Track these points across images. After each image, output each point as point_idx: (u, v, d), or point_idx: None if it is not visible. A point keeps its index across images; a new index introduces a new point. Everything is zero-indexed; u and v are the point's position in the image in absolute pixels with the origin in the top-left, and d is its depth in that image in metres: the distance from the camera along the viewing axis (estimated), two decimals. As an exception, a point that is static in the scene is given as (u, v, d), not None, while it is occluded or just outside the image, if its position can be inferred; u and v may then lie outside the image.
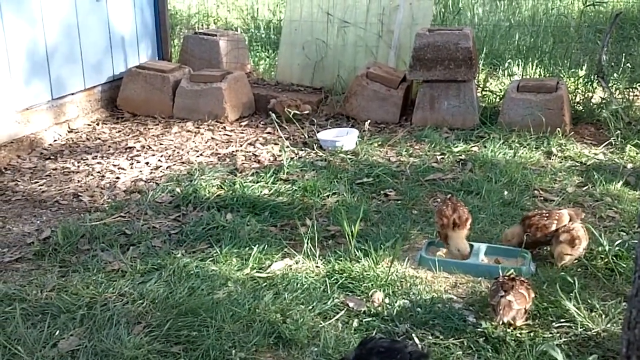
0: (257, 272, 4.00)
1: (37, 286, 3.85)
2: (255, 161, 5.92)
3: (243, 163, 5.86)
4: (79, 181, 5.58)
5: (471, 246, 4.16)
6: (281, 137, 6.37)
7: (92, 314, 3.54)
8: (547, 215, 4.20)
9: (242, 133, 6.78)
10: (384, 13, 7.71)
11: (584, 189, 5.24)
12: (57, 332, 3.40)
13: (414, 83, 7.26)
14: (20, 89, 6.29)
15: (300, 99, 7.18)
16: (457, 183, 5.33)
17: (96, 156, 6.16)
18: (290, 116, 6.58)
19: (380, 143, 6.28)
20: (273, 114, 6.47)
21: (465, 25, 8.55)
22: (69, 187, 5.44)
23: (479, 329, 3.40)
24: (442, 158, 5.93)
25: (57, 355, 3.22)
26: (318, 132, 6.45)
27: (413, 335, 3.35)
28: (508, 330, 3.37)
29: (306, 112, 7.00)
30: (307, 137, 6.47)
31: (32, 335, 3.35)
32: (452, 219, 4.11)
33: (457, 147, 6.14)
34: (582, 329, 3.39)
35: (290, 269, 4.04)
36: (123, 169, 5.86)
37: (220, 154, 6.17)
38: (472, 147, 6.16)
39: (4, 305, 3.64)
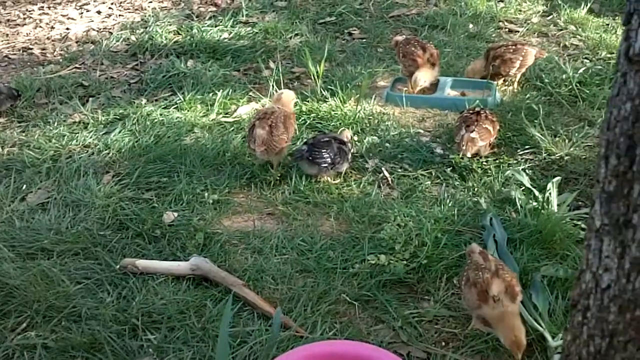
0: (223, 117, 3.95)
1: (-3, 143, 3.76)
2: (211, 4, 5.68)
3: (199, 7, 5.62)
4: (27, 34, 5.32)
5: (437, 80, 4.14)
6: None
7: (57, 166, 3.49)
8: (514, 48, 4.12)
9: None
10: None
11: (549, 18, 5.17)
12: (24, 186, 3.36)
13: None
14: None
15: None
16: (421, 18, 5.21)
17: (42, 7, 5.85)
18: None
19: (339, -20, 6.04)
20: None
21: None
22: (17, 40, 5.19)
23: (446, 160, 3.44)
24: (405, -7, 5.76)
25: (27, 209, 3.18)
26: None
27: (382, 168, 3.38)
28: (474, 159, 3.41)
29: None
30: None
31: (-1, 191, 3.30)
32: (425, 58, 4.06)
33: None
34: (546, 154, 3.45)
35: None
36: (73, 19, 5.59)
37: (173, -2, 5.91)
38: (435, -20, 5.98)
39: (-34, 164, 3.57)
